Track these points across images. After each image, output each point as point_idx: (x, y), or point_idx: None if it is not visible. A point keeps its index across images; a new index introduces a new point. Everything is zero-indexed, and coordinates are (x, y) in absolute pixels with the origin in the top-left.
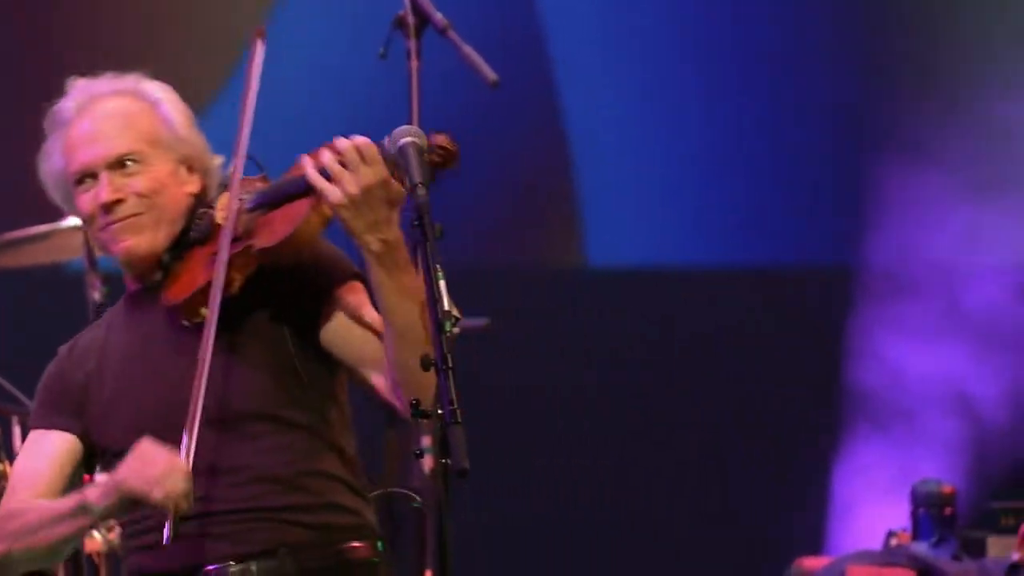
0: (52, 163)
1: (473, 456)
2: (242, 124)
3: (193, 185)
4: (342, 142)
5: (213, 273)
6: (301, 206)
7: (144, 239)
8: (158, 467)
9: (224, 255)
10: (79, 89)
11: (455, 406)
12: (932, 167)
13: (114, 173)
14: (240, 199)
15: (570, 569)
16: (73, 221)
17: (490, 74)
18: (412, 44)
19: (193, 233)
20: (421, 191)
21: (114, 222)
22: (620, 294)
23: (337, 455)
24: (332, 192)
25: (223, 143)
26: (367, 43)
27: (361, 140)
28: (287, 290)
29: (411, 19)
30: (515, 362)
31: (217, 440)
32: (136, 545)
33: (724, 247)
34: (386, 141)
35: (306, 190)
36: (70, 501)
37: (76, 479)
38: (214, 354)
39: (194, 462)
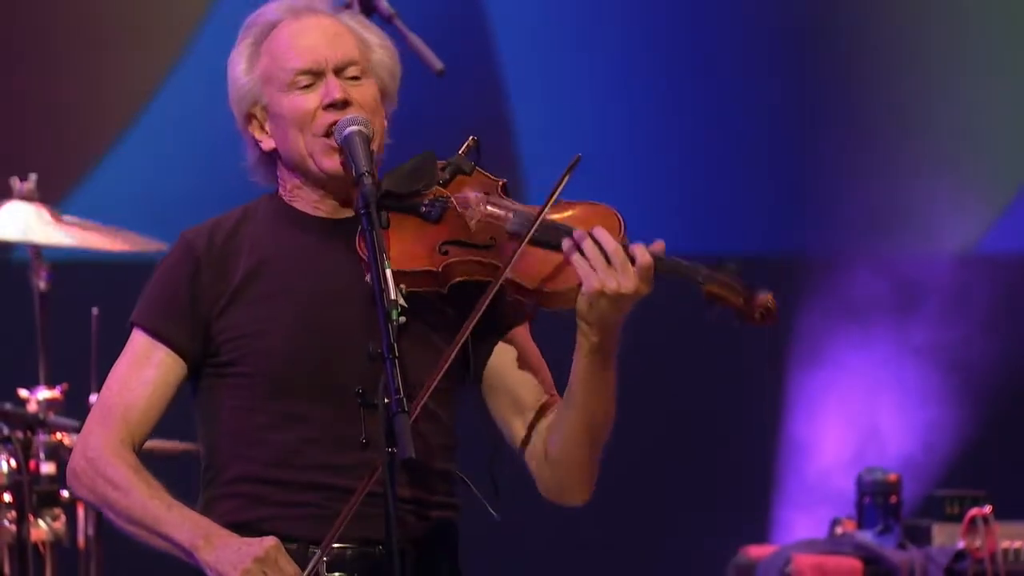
0: (252, 64)
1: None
2: None
3: (384, 118)
4: (639, 252)
5: (437, 262)
6: (572, 271)
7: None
8: None
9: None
10: (284, 2)
11: (401, 395)
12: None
13: (339, 77)
14: (504, 209)
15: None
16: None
17: (436, 63)
18: None
19: (426, 207)
20: (368, 180)
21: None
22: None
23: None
24: (591, 280)
25: None
26: None
27: (647, 261)
28: (452, 305)
29: (356, 7)
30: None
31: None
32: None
33: (669, 237)
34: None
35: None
36: (184, 533)
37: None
38: (371, 323)
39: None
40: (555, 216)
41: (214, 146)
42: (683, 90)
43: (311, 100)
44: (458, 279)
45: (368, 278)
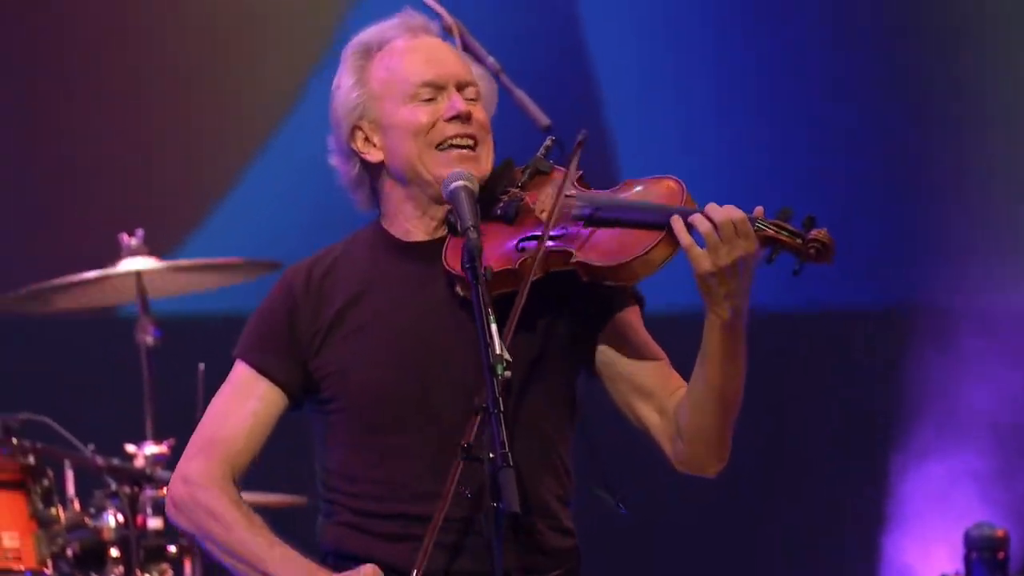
0: (363, 78)
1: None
2: None
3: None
4: (718, 213)
5: (514, 260)
6: (645, 239)
7: (478, 170)
8: None
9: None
10: (397, 20)
11: (506, 449)
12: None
13: (460, 94)
14: (567, 195)
15: None
16: (128, 265)
17: (542, 118)
18: None
19: (500, 209)
20: (473, 234)
21: (462, 135)
22: (670, 337)
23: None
24: (703, 261)
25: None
26: None
27: (738, 215)
28: (572, 299)
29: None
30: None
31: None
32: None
33: (786, 289)
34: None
35: (657, 226)
36: (280, 569)
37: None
38: (466, 332)
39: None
40: (623, 195)
41: (329, 190)
42: (790, 137)
43: (432, 112)
44: (536, 274)
45: (459, 289)
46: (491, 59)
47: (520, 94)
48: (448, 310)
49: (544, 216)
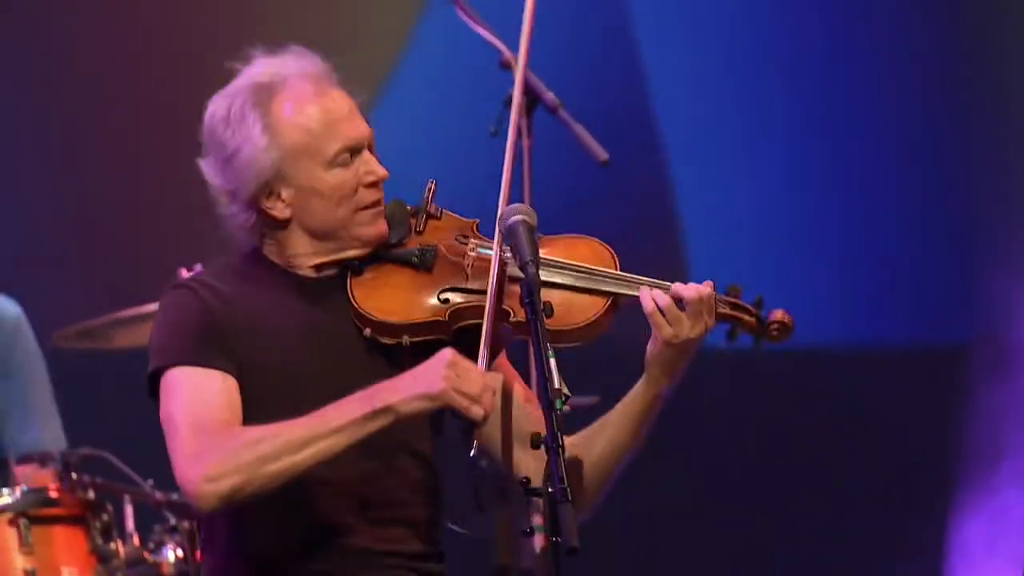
0: (274, 137)
1: (586, 534)
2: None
3: None
4: (688, 291)
5: (441, 311)
6: (592, 306)
7: (387, 229)
8: (475, 385)
9: (490, 308)
10: (292, 61)
11: (565, 484)
12: None
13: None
14: (501, 252)
15: None
16: None
17: (600, 153)
18: (523, 122)
19: (417, 256)
20: (531, 269)
21: (379, 202)
22: (732, 373)
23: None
24: (665, 330)
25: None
26: (478, 121)
27: (707, 292)
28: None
29: (521, 98)
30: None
31: (367, 471)
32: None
33: (841, 327)
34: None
35: (603, 294)
36: (359, 405)
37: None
38: (375, 375)
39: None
40: (550, 254)
41: None
42: (851, 175)
43: (353, 177)
44: (464, 323)
45: (367, 332)
46: (550, 94)
47: (579, 129)
48: (355, 351)
49: (469, 268)
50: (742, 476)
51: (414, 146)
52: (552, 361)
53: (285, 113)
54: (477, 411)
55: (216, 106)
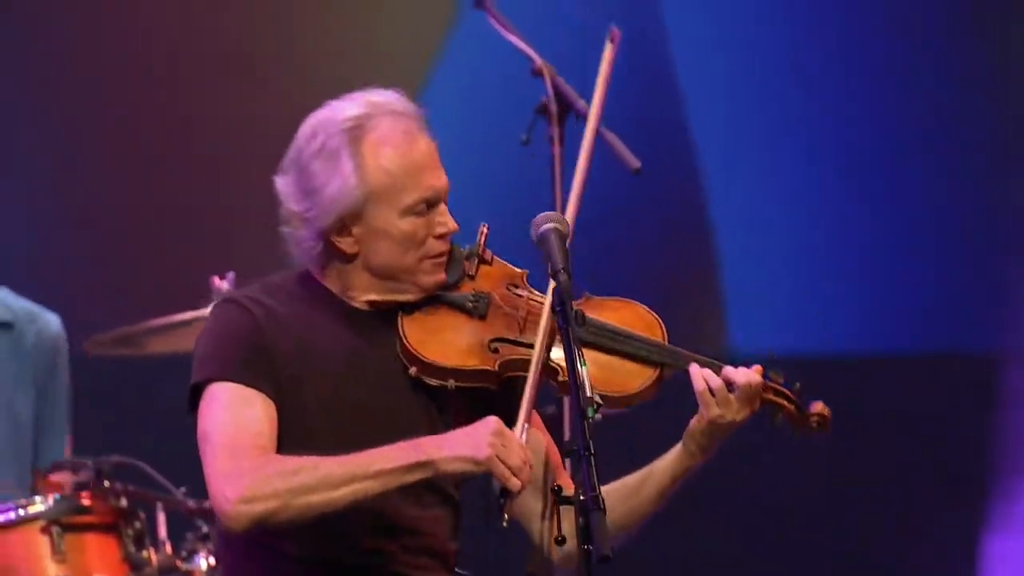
0: (363, 174)
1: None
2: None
3: None
4: (739, 376)
5: (491, 360)
6: (640, 375)
7: (445, 278)
8: (517, 457)
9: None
10: (384, 99)
11: (597, 492)
12: None
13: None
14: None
15: None
16: None
17: (633, 161)
18: (555, 130)
19: (471, 303)
20: (563, 277)
21: (445, 253)
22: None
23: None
24: (713, 410)
25: None
26: (510, 129)
27: (756, 380)
28: (500, 398)
29: (553, 106)
30: (660, 450)
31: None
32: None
33: (871, 335)
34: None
35: (654, 364)
36: (403, 454)
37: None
38: (417, 413)
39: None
40: (599, 317)
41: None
42: (884, 183)
43: (426, 226)
44: (513, 374)
45: (413, 371)
46: (581, 102)
47: (611, 137)
48: (399, 387)
49: (522, 321)
50: (770, 488)
51: (446, 153)
52: (584, 369)
53: (375, 155)
54: (515, 483)
55: (309, 135)
